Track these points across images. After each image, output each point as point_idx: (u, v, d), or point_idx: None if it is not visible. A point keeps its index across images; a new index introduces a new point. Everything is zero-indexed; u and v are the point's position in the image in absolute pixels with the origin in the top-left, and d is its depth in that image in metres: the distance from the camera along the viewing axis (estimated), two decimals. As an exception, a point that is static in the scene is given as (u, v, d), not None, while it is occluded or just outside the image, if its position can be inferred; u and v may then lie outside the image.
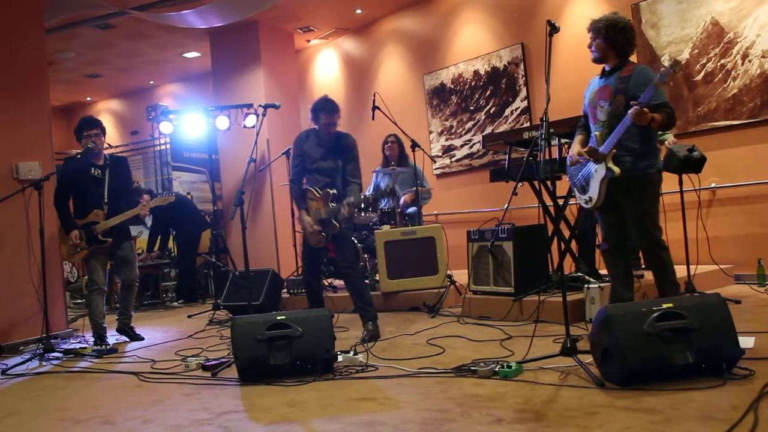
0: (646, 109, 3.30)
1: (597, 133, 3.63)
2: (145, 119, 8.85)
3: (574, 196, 4.68)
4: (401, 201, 6.39)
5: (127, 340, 5.12)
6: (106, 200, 4.91)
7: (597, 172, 3.58)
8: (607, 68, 3.68)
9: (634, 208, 3.58)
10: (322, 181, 4.46)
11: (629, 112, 3.33)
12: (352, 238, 5.70)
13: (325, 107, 4.42)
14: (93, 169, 4.95)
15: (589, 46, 3.70)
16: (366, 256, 6.09)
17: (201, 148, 9.09)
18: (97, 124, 5.03)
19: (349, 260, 4.51)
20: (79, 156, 4.96)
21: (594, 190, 3.62)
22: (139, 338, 5.13)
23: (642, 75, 3.52)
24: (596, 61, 3.72)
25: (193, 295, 7.99)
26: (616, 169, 3.49)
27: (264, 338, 3.17)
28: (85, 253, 4.91)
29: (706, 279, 5.01)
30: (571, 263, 4.75)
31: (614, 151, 3.49)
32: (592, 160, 3.59)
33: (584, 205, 3.81)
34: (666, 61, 5.85)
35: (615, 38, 3.60)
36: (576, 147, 3.75)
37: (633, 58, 3.73)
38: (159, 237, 8.18)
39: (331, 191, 4.38)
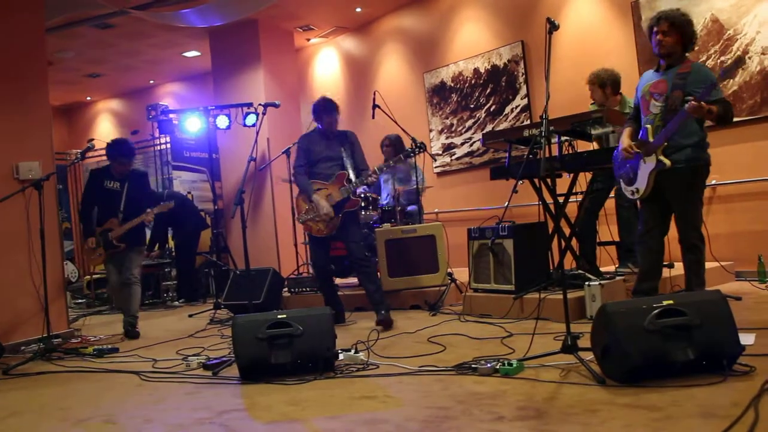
0: (703, 104, 3.32)
1: (648, 126, 3.63)
2: (146, 118, 8.84)
3: (575, 194, 4.70)
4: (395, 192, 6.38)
5: (133, 338, 5.21)
6: (122, 209, 5.33)
7: (646, 163, 3.62)
8: (663, 62, 3.66)
9: (680, 199, 3.62)
10: (331, 167, 4.74)
11: (686, 106, 3.35)
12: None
13: (326, 108, 4.77)
14: (110, 182, 5.39)
15: (657, 38, 3.60)
16: (367, 254, 6.07)
17: (201, 148, 9.09)
18: (134, 155, 5.48)
19: (367, 256, 4.81)
20: (110, 168, 5.40)
21: (642, 182, 3.66)
22: (135, 335, 5.24)
23: (701, 72, 3.55)
24: (663, 55, 3.63)
25: (194, 294, 7.99)
26: (667, 161, 3.53)
27: (265, 337, 3.17)
28: (104, 257, 5.38)
29: (706, 276, 4.99)
30: (572, 261, 4.75)
31: (665, 143, 3.52)
32: (642, 152, 3.63)
33: (630, 197, 3.84)
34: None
35: (691, 34, 3.60)
36: (626, 140, 3.76)
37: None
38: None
39: (344, 172, 4.69)
